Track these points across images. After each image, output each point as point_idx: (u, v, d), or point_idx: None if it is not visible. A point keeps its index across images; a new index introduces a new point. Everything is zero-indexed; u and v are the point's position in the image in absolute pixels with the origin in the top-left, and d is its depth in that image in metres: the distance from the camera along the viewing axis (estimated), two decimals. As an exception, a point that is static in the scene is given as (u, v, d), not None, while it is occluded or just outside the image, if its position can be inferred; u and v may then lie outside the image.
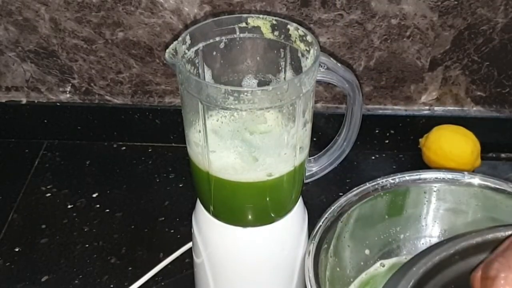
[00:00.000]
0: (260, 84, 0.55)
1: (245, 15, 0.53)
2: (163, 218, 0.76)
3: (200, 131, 0.50)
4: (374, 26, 0.76)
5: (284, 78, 0.54)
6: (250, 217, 0.55)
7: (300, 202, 0.58)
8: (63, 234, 0.74)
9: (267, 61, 0.54)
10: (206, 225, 0.57)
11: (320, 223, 0.60)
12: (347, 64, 0.79)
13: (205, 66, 0.53)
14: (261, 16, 0.53)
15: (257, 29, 0.53)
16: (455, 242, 0.43)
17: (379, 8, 0.75)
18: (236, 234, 0.55)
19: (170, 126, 0.85)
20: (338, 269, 0.61)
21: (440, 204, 0.66)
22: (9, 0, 0.75)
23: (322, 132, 0.82)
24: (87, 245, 0.72)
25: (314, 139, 0.81)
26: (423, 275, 0.43)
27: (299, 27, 0.52)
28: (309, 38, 0.51)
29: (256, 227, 0.55)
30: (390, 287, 0.46)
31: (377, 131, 0.85)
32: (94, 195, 0.79)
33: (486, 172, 0.71)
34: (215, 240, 0.56)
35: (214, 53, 0.53)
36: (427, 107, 0.84)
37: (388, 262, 0.65)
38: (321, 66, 0.53)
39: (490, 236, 0.43)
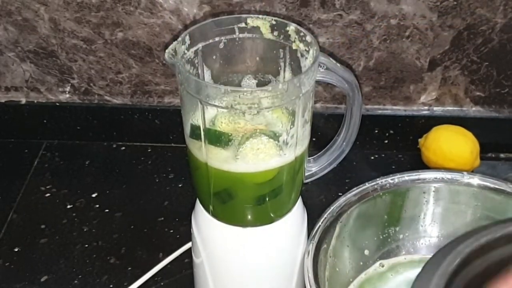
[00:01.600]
0: (259, 84, 0.55)
1: (244, 15, 0.53)
2: (162, 218, 0.76)
3: (199, 131, 0.50)
4: (374, 26, 0.76)
5: (284, 78, 0.54)
6: (249, 217, 0.55)
7: (299, 202, 0.58)
8: (63, 234, 0.74)
9: (266, 61, 0.54)
10: (205, 225, 0.57)
11: (320, 223, 0.60)
12: (347, 64, 0.79)
13: (204, 66, 0.53)
14: (260, 16, 0.53)
15: (256, 29, 0.53)
16: (501, 226, 0.43)
17: (379, 8, 0.75)
18: (235, 234, 0.55)
19: (170, 126, 0.85)
20: (337, 269, 0.61)
21: (439, 204, 0.66)
22: (9, 0, 0.75)
23: (322, 132, 0.82)
24: (86, 245, 0.72)
25: (314, 139, 0.80)
26: (468, 255, 0.43)
27: (298, 27, 0.52)
28: (308, 38, 0.51)
29: (256, 227, 0.55)
30: (435, 263, 0.46)
31: (376, 131, 0.85)
32: (94, 195, 0.79)
33: (485, 172, 0.71)
34: (215, 240, 0.56)
35: (214, 53, 0.53)
36: (426, 107, 0.84)
37: (387, 262, 0.65)
38: (321, 66, 0.53)
39: None
